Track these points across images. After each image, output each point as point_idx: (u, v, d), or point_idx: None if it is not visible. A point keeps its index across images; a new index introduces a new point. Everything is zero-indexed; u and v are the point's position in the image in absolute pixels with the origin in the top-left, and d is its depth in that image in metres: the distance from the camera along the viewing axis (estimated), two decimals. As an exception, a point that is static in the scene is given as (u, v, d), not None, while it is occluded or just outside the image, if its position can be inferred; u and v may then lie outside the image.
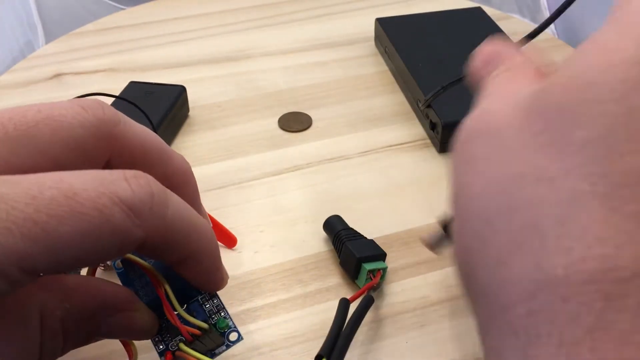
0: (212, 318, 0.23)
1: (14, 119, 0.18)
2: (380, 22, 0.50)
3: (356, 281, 0.30)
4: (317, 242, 0.34)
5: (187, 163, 0.23)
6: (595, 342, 0.13)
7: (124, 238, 0.17)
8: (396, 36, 0.48)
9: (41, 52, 0.53)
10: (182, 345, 0.22)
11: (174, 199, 0.19)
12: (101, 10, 0.61)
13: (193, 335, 0.22)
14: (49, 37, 0.58)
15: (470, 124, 0.19)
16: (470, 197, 0.17)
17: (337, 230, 0.32)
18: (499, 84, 0.20)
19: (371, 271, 0.29)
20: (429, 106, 0.40)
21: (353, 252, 0.30)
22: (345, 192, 0.37)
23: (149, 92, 0.42)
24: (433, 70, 0.44)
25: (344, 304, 0.28)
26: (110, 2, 0.61)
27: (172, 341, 0.22)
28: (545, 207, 0.15)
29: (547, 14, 0.57)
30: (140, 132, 0.21)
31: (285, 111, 0.44)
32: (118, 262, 0.22)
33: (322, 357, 0.25)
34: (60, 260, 0.16)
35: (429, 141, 0.41)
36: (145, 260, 0.22)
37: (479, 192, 0.17)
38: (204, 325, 0.22)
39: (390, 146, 0.41)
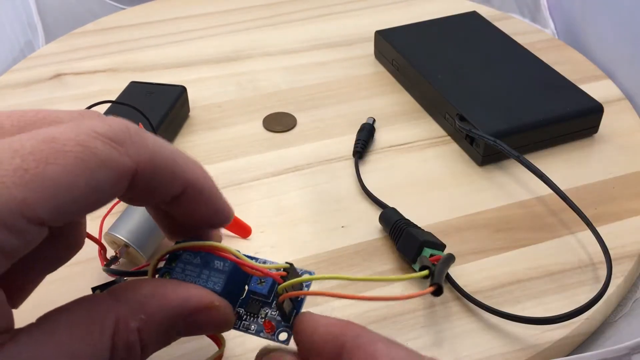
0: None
1: (12, 117, 0.19)
2: (381, 34, 0.49)
3: (413, 265, 0.31)
4: (317, 242, 0.34)
5: (200, 167, 0.22)
6: None
7: (114, 168, 0.17)
8: (403, 48, 0.47)
9: (41, 52, 0.53)
10: (280, 287, 0.22)
11: (152, 135, 0.20)
12: (101, 10, 0.61)
13: (282, 277, 0.22)
14: (49, 37, 0.58)
15: None
16: None
17: (395, 219, 0.33)
18: None
19: (432, 255, 0.30)
20: (463, 119, 0.39)
21: (416, 237, 0.31)
22: (346, 192, 0.37)
23: (150, 92, 0.42)
24: (454, 80, 0.43)
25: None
26: (110, 2, 0.61)
27: (257, 318, 0.22)
28: None
29: (547, 14, 0.57)
30: (153, 142, 0.21)
31: (285, 111, 0.44)
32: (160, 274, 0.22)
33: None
34: (60, 203, 0.16)
35: (429, 142, 0.41)
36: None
37: None
38: (286, 265, 0.22)
39: (391, 146, 0.41)
